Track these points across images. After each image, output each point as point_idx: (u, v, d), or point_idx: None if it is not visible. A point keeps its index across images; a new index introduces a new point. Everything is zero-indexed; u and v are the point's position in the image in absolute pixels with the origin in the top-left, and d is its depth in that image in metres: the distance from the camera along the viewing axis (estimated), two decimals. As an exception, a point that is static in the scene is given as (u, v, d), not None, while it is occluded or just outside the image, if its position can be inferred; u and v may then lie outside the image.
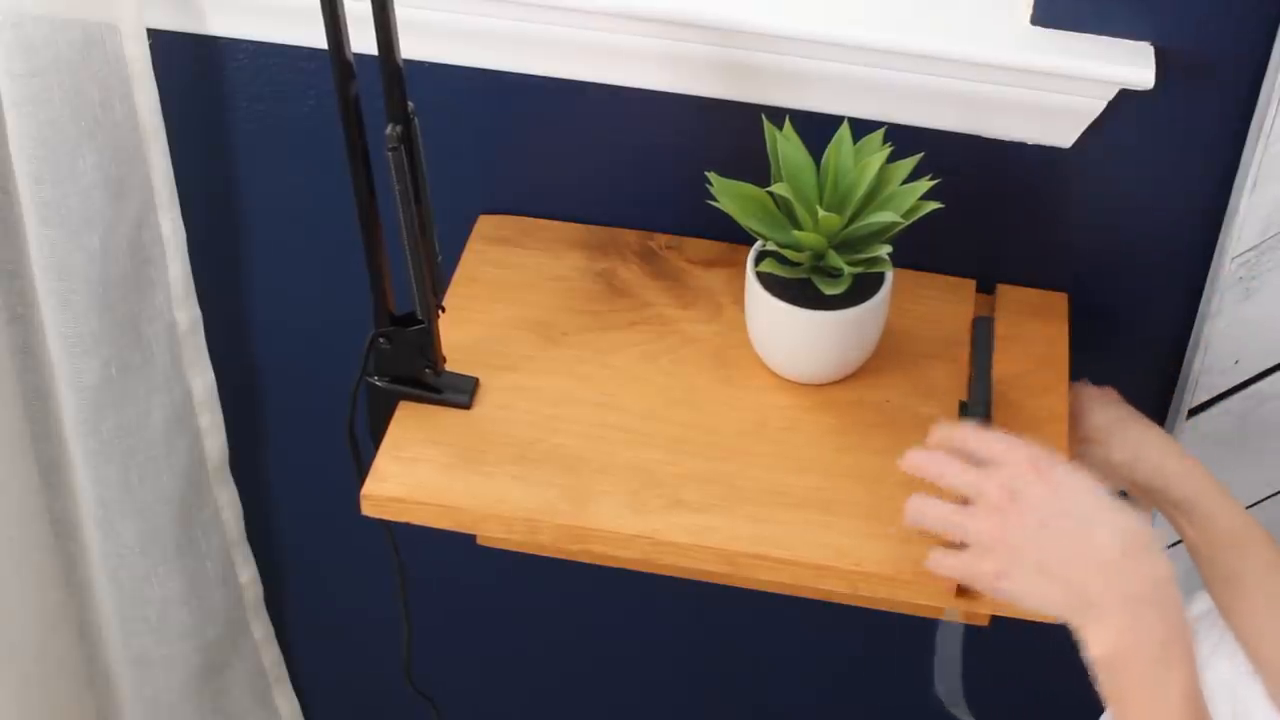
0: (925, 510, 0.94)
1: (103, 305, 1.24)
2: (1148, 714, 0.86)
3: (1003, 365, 1.12)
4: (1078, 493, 0.89)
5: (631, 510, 1.02)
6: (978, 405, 1.05)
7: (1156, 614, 0.86)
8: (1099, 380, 1.21)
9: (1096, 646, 0.87)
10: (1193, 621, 1.02)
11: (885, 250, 1.06)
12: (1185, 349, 1.20)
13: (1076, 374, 1.16)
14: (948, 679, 0.99)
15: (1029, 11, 1.05)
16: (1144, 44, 1.04)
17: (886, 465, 1.04)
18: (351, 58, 0.94)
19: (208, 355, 1.35)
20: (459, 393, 1.08)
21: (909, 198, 1.02)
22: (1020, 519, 0.89)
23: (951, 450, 0.94)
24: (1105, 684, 0.87)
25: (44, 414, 1.38)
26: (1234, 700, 0.95)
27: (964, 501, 0.93)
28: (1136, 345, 1.22)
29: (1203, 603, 1.04)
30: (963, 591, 0.97)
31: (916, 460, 0.95)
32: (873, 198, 1.04)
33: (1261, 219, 1.09)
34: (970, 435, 0.94)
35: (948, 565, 0.93)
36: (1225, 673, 0.97)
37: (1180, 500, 1.07)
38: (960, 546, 0.93)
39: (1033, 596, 0.90)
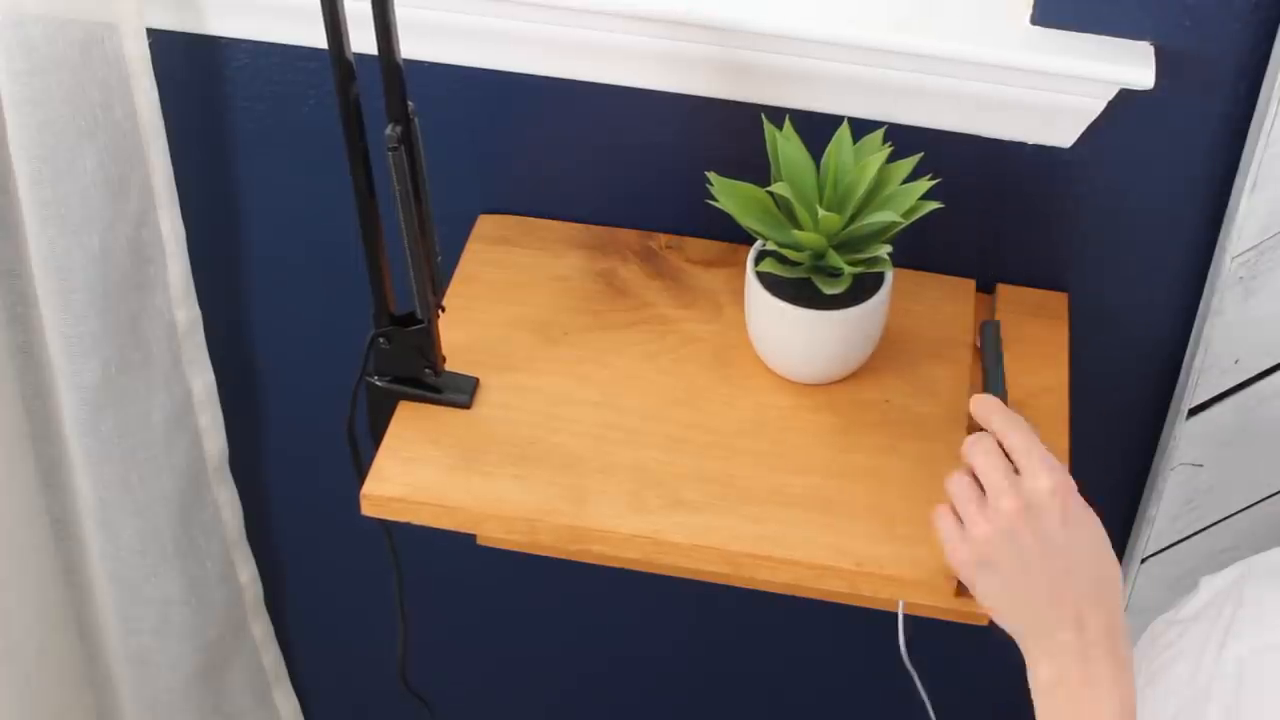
0: (955, 479, 0.93)
1: (103, 305, 1.24)
2: None
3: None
4: (1081, 537, 0.88)
5: (631, 510, 1.02)
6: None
7: (1108, 655, 0.87)
8: (1098, 379, 1.21)
9: (1043, 673, 0.88)
10: (1202, 608, 1.02)
11: (885, 250, 1.06)
12: (1185, 348, 1.20)
13: (1076, 374, 1.16)
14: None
15: (1029, 11, 1.05)
16: (1144, 44, 1.04)
17: (886, 465, 1.04)
18: (351, 57, 0.94)
19: (207, 355, 1.35)
20: (459, 393, 1.08)
21: (909, 197, 1.02)
22: (1017, 539, 0.89)
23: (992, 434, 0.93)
24: (1039, 701, 0.88)
25: (44, 414, 1.38)
26: (1239, 679, 0.95)
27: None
28: (1136, 345, 1.22)
29: (1209, 588, 1.04)
30: (962, 591, 0.97)
31: (970, 439, 0.94)
32: (873, 197, 1.04)
33: (1261, 219, 1.09)
34: (1014, 432, 0.91)
35: (942, 525, 0.93)
36: (1234, 653, 0.97)
37: None
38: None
39: (990, 603, 0.91)
